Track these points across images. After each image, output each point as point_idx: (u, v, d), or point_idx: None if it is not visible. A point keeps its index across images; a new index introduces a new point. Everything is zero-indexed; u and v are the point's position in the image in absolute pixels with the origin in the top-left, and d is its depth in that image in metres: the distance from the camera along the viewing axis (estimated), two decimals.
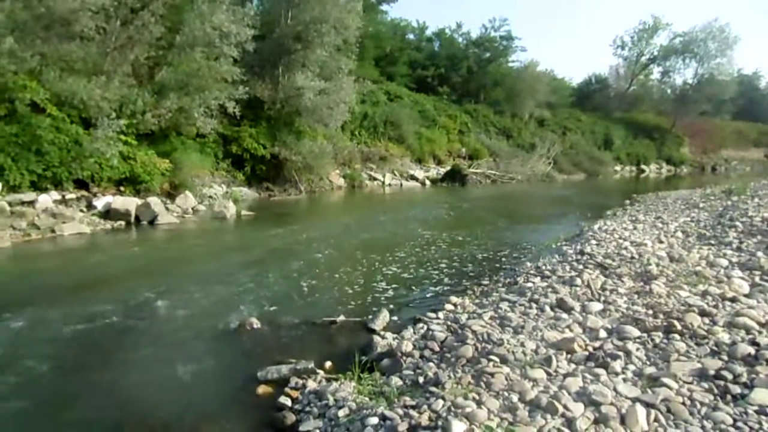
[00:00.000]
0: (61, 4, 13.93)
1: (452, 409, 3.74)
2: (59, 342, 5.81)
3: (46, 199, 12.72)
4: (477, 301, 7.17)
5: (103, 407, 4.47)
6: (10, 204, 11.94)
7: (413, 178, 29.43)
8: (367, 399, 4.23)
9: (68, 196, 13.41)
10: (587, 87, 60.60)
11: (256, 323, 6.29)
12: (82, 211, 13.22)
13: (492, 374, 4.30)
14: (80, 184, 13.93)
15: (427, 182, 29.36)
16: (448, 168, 31.33)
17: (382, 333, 6.04)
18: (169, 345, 5.82)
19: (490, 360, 4.61)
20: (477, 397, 3.90)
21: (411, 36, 47.53)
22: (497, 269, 9.32)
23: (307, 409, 4.29)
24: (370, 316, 6.59)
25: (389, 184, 27.48)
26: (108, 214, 13.29)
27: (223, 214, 14.93)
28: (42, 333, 6.02)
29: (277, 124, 21.82)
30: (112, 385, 4.88)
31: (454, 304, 6.99)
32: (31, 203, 12.44)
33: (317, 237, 12.43)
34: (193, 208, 15.48)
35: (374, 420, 3.78)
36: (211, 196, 17.23)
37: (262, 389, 4.76)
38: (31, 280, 8.41)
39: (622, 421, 3.55)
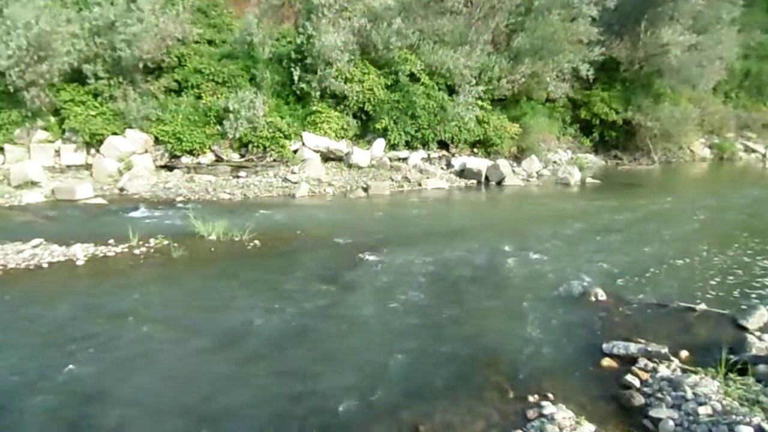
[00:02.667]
0: None
1: None
2: (423, 277, 6.78)
3: (416, 157, 14.90)
4: None
5: (455, 340, 5.04)
6: (390, 159, 14.45)
7: None
8: (736, 403, 3.66)
9: (432, 155, 15.42)
10: None
11: (602, 294, 6.07)
12: (442, 168, 15.02)
13: None
14: (442, 145, 15.74)
15: None
16: None
17: (757, 333, 5.07)
18: (513, 299, 6.15)
19: None
20: None
21: None
22: None
23: (659, 395, 3.96)
24: (740, 311, 5.60)
25: None
26: (462, 173, 14.70)
27: (567, 180, 14.75)
28: (409, 268, 7.13)
29: (632, 87, 20.09)
30: (463, 323, 5.45)
31: None
32: (405, 160, 14.77)
33: (670, 212, 11.14)
34: (537, 172, 15.79)
35: (746, 429, 3.25)
36: (555, 162, 17.23)
37: (606, 362, 4.60)
38: (403, 223, 10.02)
39: None
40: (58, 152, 12.77)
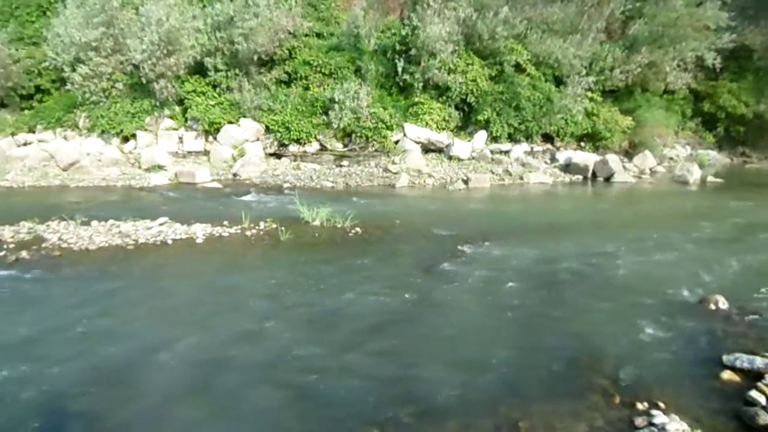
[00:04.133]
0: None
1: None
2: (523, 272, 6.60)
3: (519, 150, 14.53)
4: None
5: (557, 338, 4.86)
6: (491, 152, 14.21)
7: None
8: None
9: (535, 148, 14.96)
10: None
11: (723, 302, 5.59)
12: (545, 162, 14.52)
13: None
14: (546, 138, 15.19)
15: None
16: None
17: None
18: (621, 301, 5.82)
19: None
20: None
21: None
22: None
23: None
24: None
25: None
26: (567, 167, 14.10)
27: (685, 179, 13.65)
28: (509, 263, 6.98)
29: (767, 77, 18.14)
30: (565, 322, 5.23)
31: None
32: (507, 153, 14.47)
33: None
34: (651, 169, 14.79)
35: None
36: (672, 158, 16.03)
37: (726, 375, 4.24)
38: (503, 217, 9.84)
39: None
40: (181, 139, 13.89)
